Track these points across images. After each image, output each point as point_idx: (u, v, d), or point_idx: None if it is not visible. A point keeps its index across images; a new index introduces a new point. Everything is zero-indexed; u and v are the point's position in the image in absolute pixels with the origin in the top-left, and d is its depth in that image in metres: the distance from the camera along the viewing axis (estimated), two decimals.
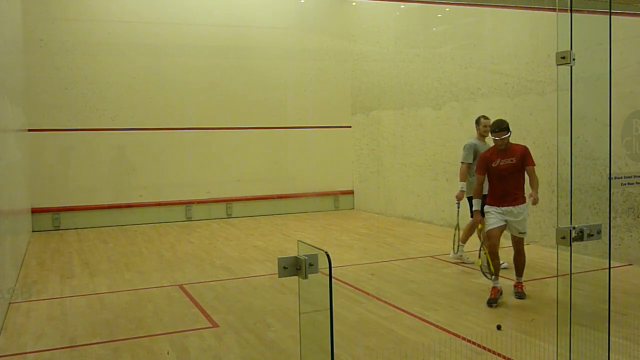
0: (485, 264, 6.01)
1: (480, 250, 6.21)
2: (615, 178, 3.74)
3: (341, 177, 13.40)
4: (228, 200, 12.17)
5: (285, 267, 2.11)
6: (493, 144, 7.23)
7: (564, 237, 2.62)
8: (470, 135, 9.94)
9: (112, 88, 11.36)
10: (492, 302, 5.55)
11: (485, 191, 6.57)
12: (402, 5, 11.57)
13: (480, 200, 5.99)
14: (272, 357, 4.47)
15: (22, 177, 8.82)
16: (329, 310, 2.08)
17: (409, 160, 11.54)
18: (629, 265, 7.09)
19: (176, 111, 11.80)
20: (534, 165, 5.75)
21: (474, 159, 7.12)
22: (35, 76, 10.78)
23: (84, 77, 11.15)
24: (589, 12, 2.80)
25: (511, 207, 5.70)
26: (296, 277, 2.12)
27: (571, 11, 2.61)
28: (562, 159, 2.86)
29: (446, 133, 10.47)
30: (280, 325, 5.13)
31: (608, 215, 3.23)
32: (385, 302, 5.76)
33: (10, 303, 5.92)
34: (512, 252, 7.46)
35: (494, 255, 5.74)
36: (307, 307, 2.27)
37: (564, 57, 2.64)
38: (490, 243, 5.76)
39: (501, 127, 5.71)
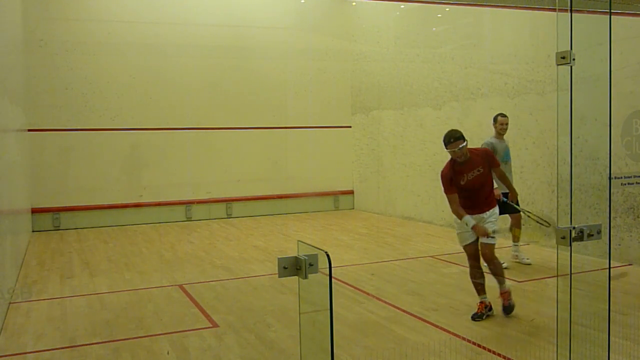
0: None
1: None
2: (615, 178, 3.74)
3: (341, 177, 13.39)
4: (228, 200, 12.17)
5: (285, 267, 2.11)
6: (497, 140, 7.28)
7: (564, 237, 2.62)
8: (470, 135, 9.94)
9: (112, 88, 11.35)
10: (476, 317, 5.14)
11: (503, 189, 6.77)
12: (402, 5, 11.57)
13: (469, 216, 5.26)
14: (272, 357, 4.46)
15: (22, 177, 8.82)
16: (329, 310, 2.08)
17: (409, 160, 11.54)
18: (629, 265, 7.09)
19: (176, 111, 11.80)
20: (499, 165, 5.44)
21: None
22: (35, 76, 10.77)
23: (84, 77, 11.15)
24: (589, 12, 2.80)
25: (482, 214, 5.24)
26: (296, 277, 2.12)
27: (571, 11, 2.61)
28: (562, 159, 2.86)
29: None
30: (280, 325, 5.13)
31: (608, 215, 3.23)
32: (385, 302, 5.75)
33: (10, 303, 5.92)
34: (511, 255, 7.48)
35: (476, 264, 5.30)
36: (307, 307, 2.27)
37: (564, 57, 2.64)
38: (471, 263, 5.28)
39: (455, 136, 5.21)
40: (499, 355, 4.30)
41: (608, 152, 3.06)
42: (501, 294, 5.25)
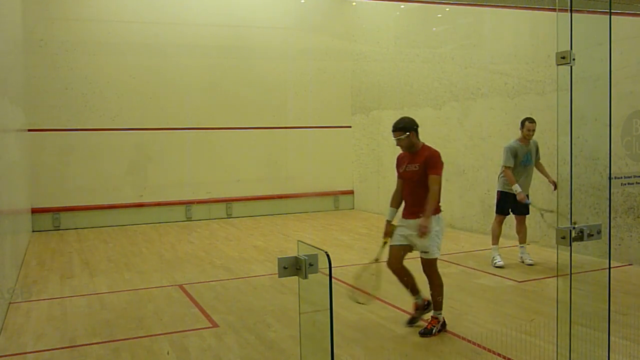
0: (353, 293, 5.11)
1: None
2: (615, 178, 3.74)
3: (341, 177, 13.39)
4: (228, 200, 12.17)
5: (285, 267, 2.11)
6: (520, 143, 7.11)
7: (564, 237, 2.62)
8: (470, 135, 9.95)
9: (112, 88, 11.35)
10: (410, 322, 5.03)
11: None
12: (402, 5, 11.57)
13: (394, 209, 5.25)
14: (272, 357, 4.46)
15: (22, 177, 8.82)
16: (329, 310, 2.08)
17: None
18: (629, 265, 7.09)
19: (176, 111, 11.80)
20: (438, 175, 4.87)
21: (514, 162, 7.10)
22: (35, 76, 10.77)
23: (84, 77, 11.15)
24: (589, 12, 2.80)
25: (413, 220, 4.94)
26: (296, 277, 2.12)
27: (571, 11, 2.61)
28: (562, 159, 2.86)
29: (446, 133, 10.47)
30: (280, 325, 5.13)
31: (608, 215, 3.23)
32: (385, 302, 5.75)
33: (10, 303, 5.92)
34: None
35: (398, 275, 5.04)
36: (307, 307, 2.27)
37: (564, 57, 2.64)
38: (389, 262, 5.04)
39: (397, 126, 4.91)
40: (499, 355, 4.30)
41: (608, 152, 3.06)
42: (430, 319, 4.88)
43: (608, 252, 2.92)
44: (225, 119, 12.21)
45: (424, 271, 4.95)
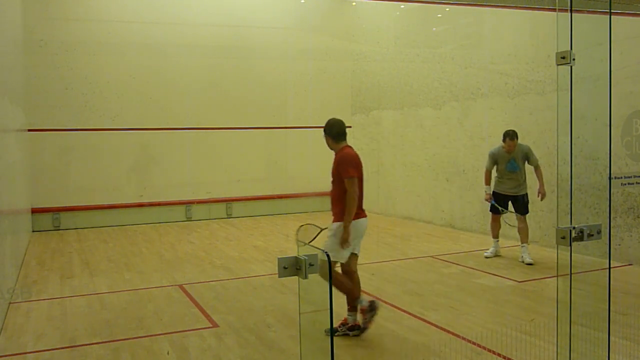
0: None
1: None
2: (615, 178, 3.74)
3: None
4: (228, 200, 12.17)
5: (285, 267, 2.11)
6: (504, 149, 7.42)
7: (564, 237, 2.62)
8: (470, 135, 9.95)
9: (112, 88, 11.35)
10: (333, 331, 4.95)
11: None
12: (402, 5, 11.56)
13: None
14: (272, 357, 4.46)
15: (22, 177, 8.82)
16: (329, 310, 2.08)
17: (409, 160, 11.54)
18: (629, 265, 7.09)
19: (176, 111, 11.80)
20: (348, 177, 4.80)
21: (493, 165, 7.64)
22: (35, 76, 10.77)
23: (84, 77, 11.15)
24: (589, 12, 2.80)
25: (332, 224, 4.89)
26: (296, 277, 2.12)
27: (571, 11, 2.61)
28: (562, 159, 2.86)
29: (446, 133, 10.47)
30: (280, 325, 5.13)
31: (608, 215, 3.23)
32: (385, 302, 5.75)
33: (10, 303, 5.92)
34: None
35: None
36: (307, 307, 2.27)
37: (564, 57, 2.64)
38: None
39: (324, 128, 5.02)
40: (499, 355, 4.30)
41: (608, 152, 3.06)
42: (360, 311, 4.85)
43: (608, 252, 2.92)
44: (225, 119, 12.21)
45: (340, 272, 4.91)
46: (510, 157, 7.50)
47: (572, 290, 2.80)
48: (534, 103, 8.56)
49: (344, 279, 4.83)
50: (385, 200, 12.33)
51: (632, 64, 7.04)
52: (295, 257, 2.11)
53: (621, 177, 4.04)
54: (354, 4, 13.29)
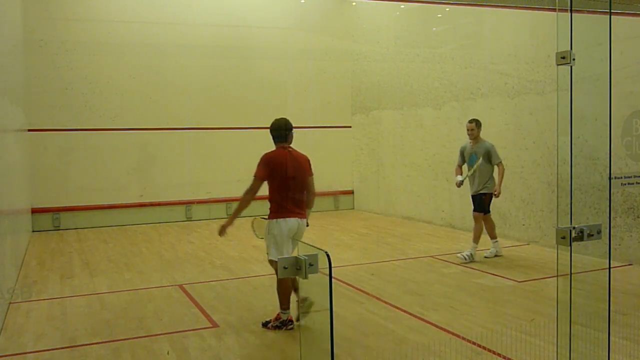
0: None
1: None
2: (615, 178, 3.75)
3: (341, 177, 13.39)
4: (228, 200, 12.15)
5: (285, 267, 2.11)
6: (470, 144, 7.56)
7: (564, 237, 2.62)
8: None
9: (112, 88, 11.36)
10: (267, 324, 5.03)
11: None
12: (402, 5, 11.56)
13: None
14: (272, 357, 4.47)
15: (22, 177, 8.82)
16: (329, 310, 2.08)
17: (409, 160, 11.54)
18: (629, 265, 7.09)
19: (176, 111, 11.80)
20: (254, 175, 5.04)
21: (462, 160, 7.74)
22: (35, 76, 10.77)
23: (84, 77, 11.15)
24: (589, 12, 2.80)
25: None
26: (296, 277, 2.12)
27: (571, 11, 2.61)
28: (562, 159, 2.86)
29: (446, 133, 10.47)
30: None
31: (608, 215, 3.23)
32: (385, 302, 5.75)
33: (10, 303, 5.92)
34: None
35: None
36: (307, 308, 2.27)
37: (564, 57, 2.64)
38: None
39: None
40: (499, 355, 4.30)
41: (608, 152, 3.06)
42: (277, 313, 5.03)
43: (608, 252, 2.92)
44: (225, 119, 12.21)
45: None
46: (472, 152, 7.54)
47: (572, 290, 2.80)
48: (534, 103, 8.55)
49: (288, 283, 4.95)
50: (385, 200, 12.33)
51: (632, 64, 7.04)
52: (295, 257, 2.11)
53: (621, 177, 4.05)
54: (354, 4, 13.28)
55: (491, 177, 7.54)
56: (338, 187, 13.32)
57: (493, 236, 7.69)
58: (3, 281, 5.67)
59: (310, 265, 2.07)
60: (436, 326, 5.01)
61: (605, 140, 3.02)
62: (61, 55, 10.93)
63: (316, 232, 10.55)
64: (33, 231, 10.65)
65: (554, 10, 2.63)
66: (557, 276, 2.80)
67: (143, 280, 6.95)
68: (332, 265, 2.03)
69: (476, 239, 7.52)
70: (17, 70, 8.98)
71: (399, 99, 11.74)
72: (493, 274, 6.82)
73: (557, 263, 2.70)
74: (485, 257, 7.55)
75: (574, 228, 2.61)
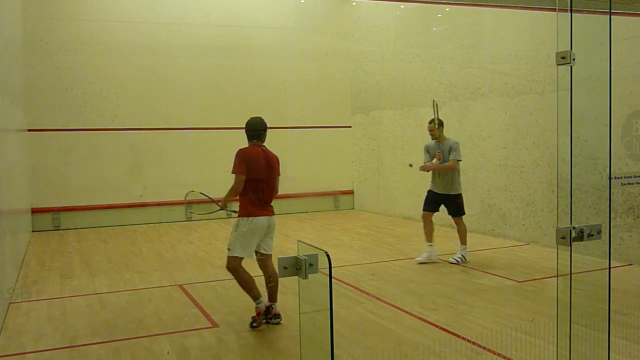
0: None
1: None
2: (615, 178, 3.75)
3: (341, 177, 13.39)
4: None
5: (285, 267, 2.10)
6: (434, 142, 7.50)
7: (564, 237, 2.62)
8: (470, 135, 9.95)
9: (112, 88, 11.35)
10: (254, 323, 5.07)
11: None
12: (402, 5, 11.57)
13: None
14: (272, 357, 4.47)
15: (22, 177, 8.82)
16: (329, 310, 2.08)
17: (409, 160, 11.54)
18: (629, 265, 7.09)
19: (176, 111, 11.80)
20: (233, 172, 5.17)
21: (429, 158, 7.60)
22: (35, 76, 10.77)
23: (84, 77, 11.15)
24: (589, 12, 2.80)
25: None
26: (296, 277, 2.12)
27: (571, 11, 2.61)
28: (562, 159, 2.86)
29: (446, 133, 10.46)
30: (280, 325, 5.13)
31: (608, 215, 3.23)
32: (385, 302, 5.75)
33: (10, 303, 5.92)
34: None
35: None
36: (307, 307, 2.27)
37: (564, 57, 2.64)
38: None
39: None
40: (499, 355, 4.30)
41: (608, 152, 3.06)
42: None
43: (608, 252, 2.92)
44: (225, 119, 12.20)
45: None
46: (429, 151, 7.52)
47: (572, 290, 2.80)
48: (534, 103, 8.56)
49: (246, 276, 5.06)
50: (385, 200, 12.33)
51: (632, 64, 7.04)
52: (295, 257, 2.11)
53: (621, 177, 4.05)
54: (354, 4, 13.29)
55: (458, 177, 7.43)
56: (338, 187, 13.33)
57: (463, 241, 7.50)
58: (3, 281, 5.67)
59: (310, 265, 2.07)
60: (436, 326, 5.01)
61: (605, 140, 3.02)
62: (61, 55, 10.93)
63: (316, 232, 10.55)
64: (33, 231, 10.64)
65: (554, 10, 2.63)
66: (557, 276, 2.80)
67: (143, 280, 6.95)
68: (332, 265, 2.03)
69: (464, 240, 7.48)
70: (17, 70, 8.98)
71: (399, 99, 11.73)
72: (493, 274, 6.82)
73: (557, 263, 2.70)
74: (451, 262, 7.40)
75: (574, 228, 2.61)
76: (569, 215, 2.71)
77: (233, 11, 12.23)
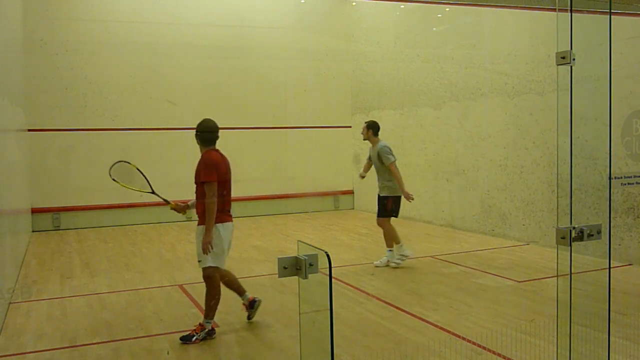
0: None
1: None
2: (615, 178, 3.74)
3: (341, 177, 13.38)
4: None
5: (285, 267, 2.10)
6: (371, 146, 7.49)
7: (564, 237, 2.62)
8: (470, 135, 9.95)
9: (112, 88, 11.35)
10: (190, 338, 4.75)
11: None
12: (402, 5, 11.57)
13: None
14: (272, 357, 4.46)
15: (22, 177, 8.81)
16: (329, 310, 2.08)
17: (409, 160, 11.54)
18: (629, 265, 7.09)
19: (176, 111, 11.79)
20: (204, 181, 4.83)
21: (370, 159, 7.62)
22: (35, 76, 10.77)
23: (84, 77, 11.15)
24: (589, 12, 2.80)
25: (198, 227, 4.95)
26: (296, 277, 2.12)
27: (571, 11, 2.60)
28: (562, 159, 2.86)
29: (446, 133, 10.47)
30: (280, 325, 5.13)
31: (608, 215, 3.23)
32: (385, 302, 5.75)
33: (10, 303, 5.92)
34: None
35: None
36: (307, 307, 2.27)
37: (564, 57, 2.64)
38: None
39: (197, 127, 5.18)
40: (499, 355, 4.30)
41: (608, 152, 3.06)
42: (198, 324, 4.83)
43: (608, 252, 2.92)
44: (225, 119, 12.14)
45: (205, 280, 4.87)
46: (370, 153, 7.53)
47: (572, 290, 2.80)
48: (534, 103, 8.56)
49: (229, 277, 5.02)
50: None
51: (632, 64, 7.04)
52: (295, 257, 2.11)
53: (621, 177, 4.04)
54: (354, 4, 13.29)
55: (391, 179, 7.34)
56: (338, 187, 13.32)
57: (389, 245, 7.38)
58: (3, 281, 5.67)
59: (310, 265, 2.07)
60: (436, 326, 5.01)
61: (605, 140, 3.02)
62: (61, 55, 10.93)
63: (316, 232, 10.55)
64: (33, 231, 10.64)
65: (554, 10, 2.63)
66: (557, 276, 2.80)
67: (143, 280, 6.95)
68: (332, 265, 2.03)
69: (390, 244, 7.33)
70: (17, 70, 8.98)
71: (399, 99, 11.73)
72: (493, 274, 6.82)
73: (557, 263, 2.70)
74: (376, 265, 7.32)
75: (574, 228, 2.61)
76: (569, 215, 2.71)
77: (233, 11, 12.23)
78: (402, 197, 7.29)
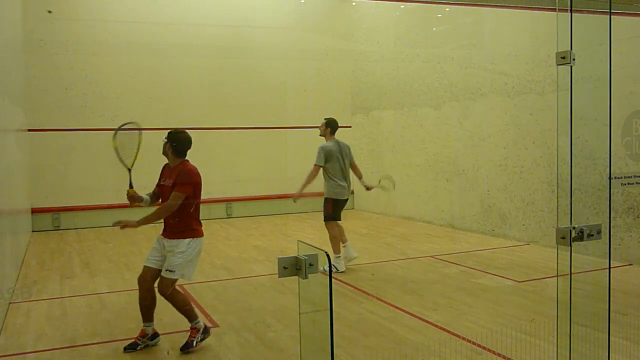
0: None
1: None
2: (615, 178, 3.74)
3: None
4: (228, 200, 12.16)
5: (285, 267, 2.11)
6: (332, 143, 7.39)
7: (564, 237, 2.62)
8: (470, 135, 9.95)
9: (112, 88, 11.35)
10: (129, 347, 4.61)
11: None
12: (402, 5, 11.57)
13: (147, 196, 5.22)
14: (272, 357, 4.46)
15: (22, 177, 8.81)
16: (329, 310, 2.08)
17: (409, 160, 11.54)
18: (629, 265, 7.09)
19: (176, 111, 11.79)
20: (180, 192, 4.76)
21: (326, 162, 7.52)
22: (35, 76, 10.77)
23: (84, 77, 11.15)
24: (589, 12, 2.80)
25: (165, 240, 4.77)
26: (296, 277, 2.12)
27: (571, 11, 2.61)
28: (562, 159, 2.86)
29: (446, 133, 10.47)
30: (280, 325, 5.13)
31: (608, 215, 3.23)
32: (385, 302, 5.75)
33: (10, 303, 5.92)
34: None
35: (143, 296, 4.77)
36: (307, 307, 2.27)
37: (564, 57, 2.64)
38: (140, 279, 4.81)
39: (171, 136, 5.00)
40: (499, 355, 4.30)
41: (608, 152, 3.06)
42: (190, 329, 4.65)
43: (608, 252, 2.92)
44: (225, 119, 12.21)
45: (160, 290, 4.68)
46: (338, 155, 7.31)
47: (572, 290, 2.80)
48: (534, 103, 8.56)
49: (182, 295, 4.79)
50: (385, 200, 12.33)
51: (632, 64, 7.04)
52: (295, 257, 2.11)
53: (621, 177, 4.04)
54: (354, 4, 13.28)
55: (327, 181, 7.39)
56: None
57: (336, 251, 7.23)
58: (3, 281, 5.67)
59: (310, 265, 2.07)
60: (436, 326, 5.01)
61: (605, 140, 3.02)
62: (61, 55, 10.93)
63: (316, 232, 10.54)
64: (33, 231, 10.64)
65: (554, 10, 2.63)
66: (557, 276, 2.80)
67: None
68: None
69: (337, 249, 7.19)
70: (17, 70, 8.98)
71: (399, 99, 11.73)
72: (493, 274, 6.82)
73: (557, 263, 2.70)
74: (320, 271, 7.27)
75: (574, 228, 2.61)
76: (569, 215, 2.71)
77: (233, 11, 12.22)
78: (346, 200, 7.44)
